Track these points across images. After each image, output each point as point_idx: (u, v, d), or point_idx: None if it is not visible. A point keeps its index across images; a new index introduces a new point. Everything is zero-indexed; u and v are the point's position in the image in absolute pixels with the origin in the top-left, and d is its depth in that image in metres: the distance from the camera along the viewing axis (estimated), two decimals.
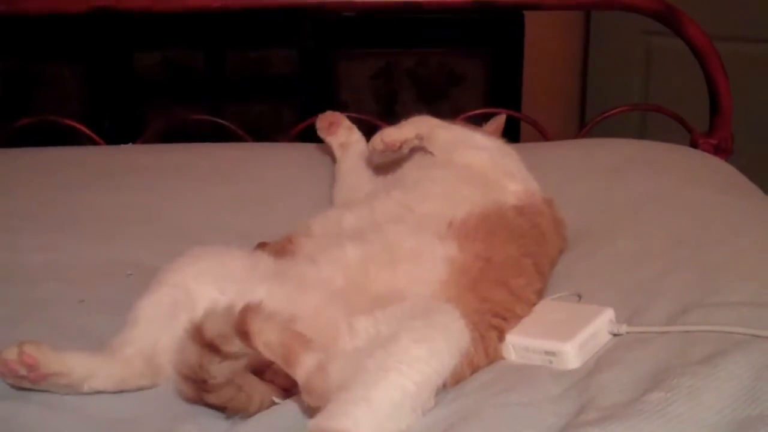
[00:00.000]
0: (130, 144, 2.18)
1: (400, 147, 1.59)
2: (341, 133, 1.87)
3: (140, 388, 1.21)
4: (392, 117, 1.62)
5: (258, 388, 1.14)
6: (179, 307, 1.24)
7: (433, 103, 3.12)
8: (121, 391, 1.19)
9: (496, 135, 1.73)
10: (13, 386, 1.16)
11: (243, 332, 1.06)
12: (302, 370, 1.05)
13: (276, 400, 1.15)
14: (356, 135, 1.87)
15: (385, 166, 1.68)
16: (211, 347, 1.09)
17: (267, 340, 1.06)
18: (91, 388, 1.17)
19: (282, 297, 1.25)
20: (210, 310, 1.11)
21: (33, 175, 1.93)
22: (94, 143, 2.18)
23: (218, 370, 1.10)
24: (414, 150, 1.61)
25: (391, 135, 1.59)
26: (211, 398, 1.12)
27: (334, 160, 1.87)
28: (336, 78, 3.18)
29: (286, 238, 1.44)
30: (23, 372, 1.14)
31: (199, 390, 1.12)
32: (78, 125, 2.19)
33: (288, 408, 1.13)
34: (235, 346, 1.08)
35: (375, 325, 1.17)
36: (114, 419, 1.14)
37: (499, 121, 1.79)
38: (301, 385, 1.06)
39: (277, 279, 1.29)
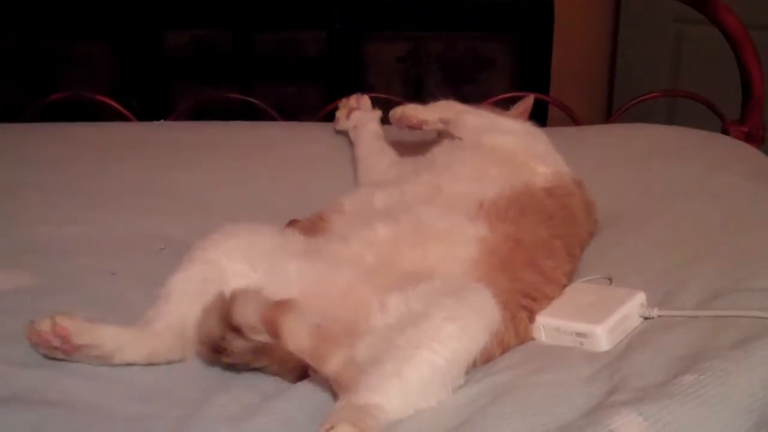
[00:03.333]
0: (162, 121, 2.18)
1: (420, 126, 1.59)
2: (355, 115, 1.89)
3: (170, 362, 1.22)
4: (419, 100, 1.62)
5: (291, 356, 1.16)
6: (210, 284, 1.24)
7: (461, 87, 3.09)
8: (151, 364, 1.20)
9: (524, 117, 1.73)
10: (46, 356, 1.18)
11: (274, 331, 1.08)
12: (331, 367, 1.07)
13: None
14: (369, 115, 1.88)
15: (411, 149, 1.68)
16: (236, 331, 1.11)
17: (298, 344, 1.08)
18: (122, 360, 1.18)
19: (313, 275, 1.26)
20: (241, 294, 1.13)
21: (65, 150, 1.94)
22: (124, 120, 2.19)
23: (239, 345, 1.13)
24: (442, 134, 1.61)
25: (413, 111, 1.59)
26: (228, 360, 1.15)
27: None
28: (364, 60, 3.17)
29: (318, 215, 1.44)
30: (56, 343, 1.16)
31: (215, 355, 1.15)
32: (110, 101, 2.20)
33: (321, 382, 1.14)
34: (262, 337, 1.10)
35: (406, 303, 1.17)
36: (149, 390, 1.15)
37: (527, 103, 1.78)
38: (330, 380, 1.08)
39: (308, 256, 1.30)
